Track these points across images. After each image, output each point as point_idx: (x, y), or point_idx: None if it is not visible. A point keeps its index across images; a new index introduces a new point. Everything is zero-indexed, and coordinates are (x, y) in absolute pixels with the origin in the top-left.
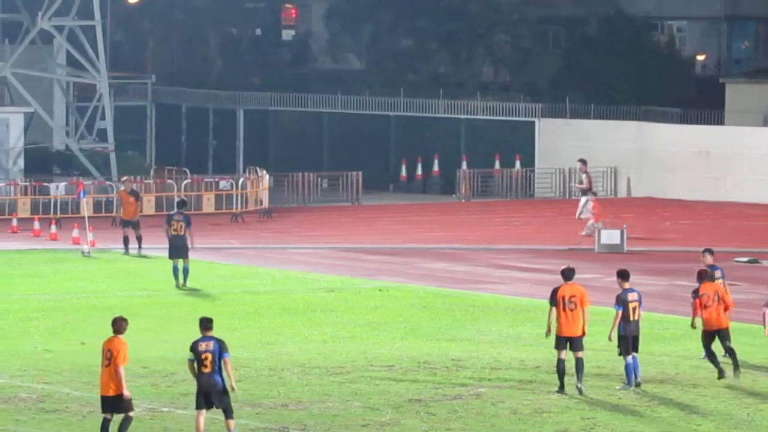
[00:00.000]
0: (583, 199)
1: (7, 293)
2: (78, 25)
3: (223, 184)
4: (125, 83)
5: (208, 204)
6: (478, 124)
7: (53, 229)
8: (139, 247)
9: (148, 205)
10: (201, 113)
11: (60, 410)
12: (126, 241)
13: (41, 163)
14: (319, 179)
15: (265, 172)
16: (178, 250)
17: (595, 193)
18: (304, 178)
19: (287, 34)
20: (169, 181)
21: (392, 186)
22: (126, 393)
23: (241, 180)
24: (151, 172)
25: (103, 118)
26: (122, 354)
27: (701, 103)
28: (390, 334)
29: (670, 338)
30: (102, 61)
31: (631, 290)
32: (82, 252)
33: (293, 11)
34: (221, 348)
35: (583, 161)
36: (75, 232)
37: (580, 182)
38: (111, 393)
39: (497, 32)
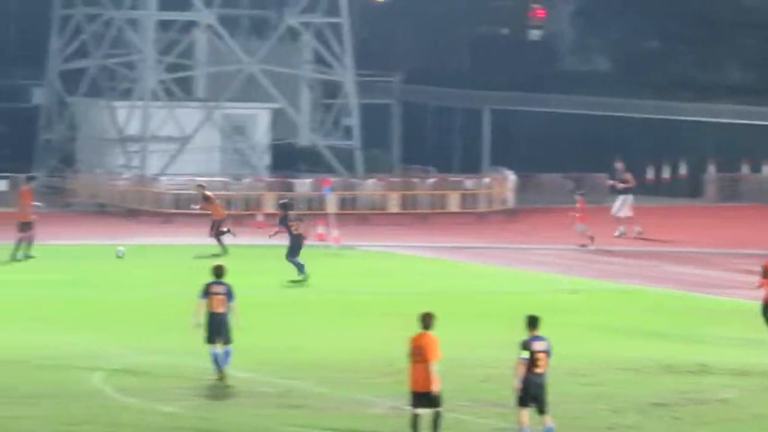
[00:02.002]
0: (621, 198)
1: (249, 288)
2: (325, 23)
3: (468, 183)
4: (371, 81)
5: (453, 203)
6: (725, 128)
7: None
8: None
9: (393, 204)
10: (447, 112)
11: (304, 406)
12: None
13: (288, 159)
14: (564, 180)
15: (510, 171)
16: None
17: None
18: (549, 178)
19: (534, 34)
20: (415, 179)
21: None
22: (436, 389)
23: (485, 179)
24: (397, 171)
25: (348, 115)
26: (433, 350)
27: None
28: (632, 337)
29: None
30: (348, 59)
31: None
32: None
33: (541, 11)
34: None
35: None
36: (320, 229)
37: (624, 180)
38: (420, 389)
39: (746, 36)
